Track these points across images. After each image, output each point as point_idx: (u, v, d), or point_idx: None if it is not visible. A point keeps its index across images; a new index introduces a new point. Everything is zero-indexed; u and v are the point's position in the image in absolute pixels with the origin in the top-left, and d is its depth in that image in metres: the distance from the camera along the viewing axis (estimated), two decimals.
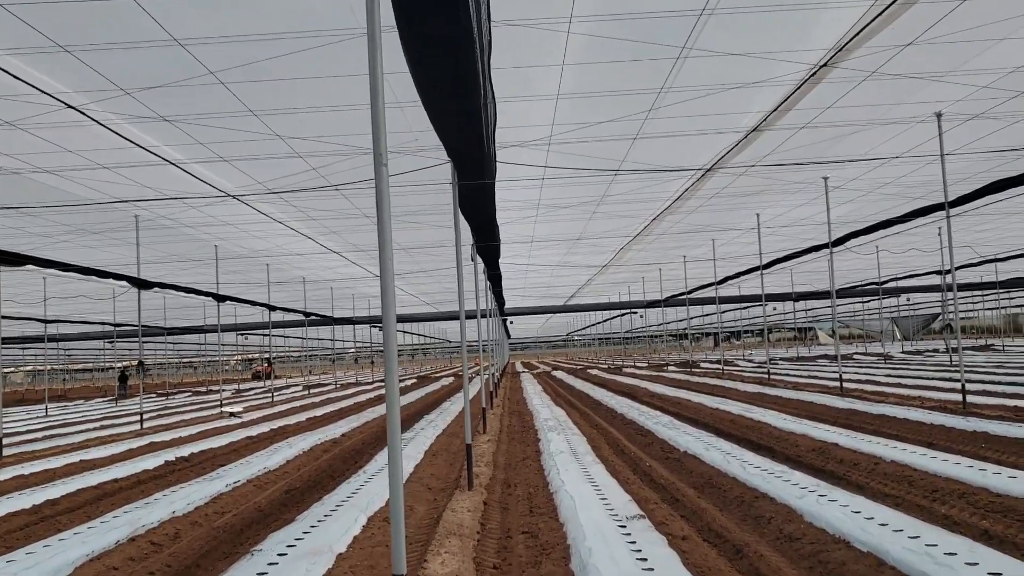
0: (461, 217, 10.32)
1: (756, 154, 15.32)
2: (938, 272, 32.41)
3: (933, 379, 22.39)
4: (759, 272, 25.98)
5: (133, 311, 35.46)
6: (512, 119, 9.80)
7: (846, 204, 21.02)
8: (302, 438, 15.45)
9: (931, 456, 9.21)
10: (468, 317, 14.35)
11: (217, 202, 15.56)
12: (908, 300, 56.10)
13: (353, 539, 6.93)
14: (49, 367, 65.40)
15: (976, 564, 4.78)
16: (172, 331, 40.63)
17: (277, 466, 12.05)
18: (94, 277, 19.48)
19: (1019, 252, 30.43)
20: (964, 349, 46.30)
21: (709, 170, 13.17)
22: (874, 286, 38.53)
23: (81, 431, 20.96)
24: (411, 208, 15.86)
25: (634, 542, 5.85)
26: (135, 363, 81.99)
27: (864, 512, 6.41)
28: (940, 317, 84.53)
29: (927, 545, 5.26)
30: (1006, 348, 45.63)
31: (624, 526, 6.36)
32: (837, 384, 21.73)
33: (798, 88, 12.34)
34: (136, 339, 49.96)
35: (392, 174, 11.77)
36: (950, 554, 5.01)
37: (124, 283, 19.91)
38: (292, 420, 20.69)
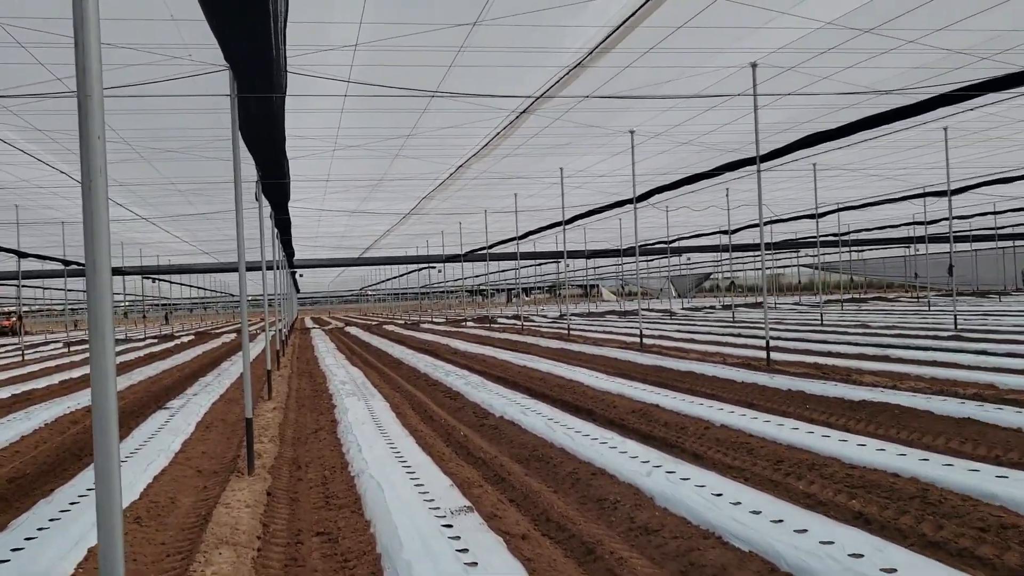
0: (243, 147, 8.46)
1: (569, 101, 14.42)
2: (724, 232, 33.65)
3: (724, 335, 22.93)
4: (562, 228, 25.52)
5: None
6: (308, 16, 8.06)
7: (648, 160, 20.79)
8: (49, 405, 12.92)
9: (760, 419, 8.66)
10: (252, 269, 12.45)
11: None
12: (688, 259, 58.93)
13: (87, 554, 5.16)
14: None
15: (894, 572, 3.90)
16: None
17: (7, 443, 9.72)
18: None
19: (792, 215, 32.14)
20: (737, 306, 49.29)
21: (539, 98, 12.00)
22: (663, 245, 39.74)
23: None
24: (183, 135, 13.44)
25: (465, 550, 4.56)
26: None
27: (727, 495, 5.51)
28: (711, 276, 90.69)
29: (822, 543, 4.37)
30: (777, 305, 48.92)
31: (450, 525, 5.07)
32: (636, 340, 21.74)
33: (616, 30, 11.39)
34: None
35: (142, 82, 9.60)
36: (855, 556, 4.13)
37: None
38: (43, 383, 17.70)
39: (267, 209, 16.68)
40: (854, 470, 6.38)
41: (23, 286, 41.98)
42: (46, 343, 41.47)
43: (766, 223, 36.37)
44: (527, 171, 21.97)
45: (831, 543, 4.35)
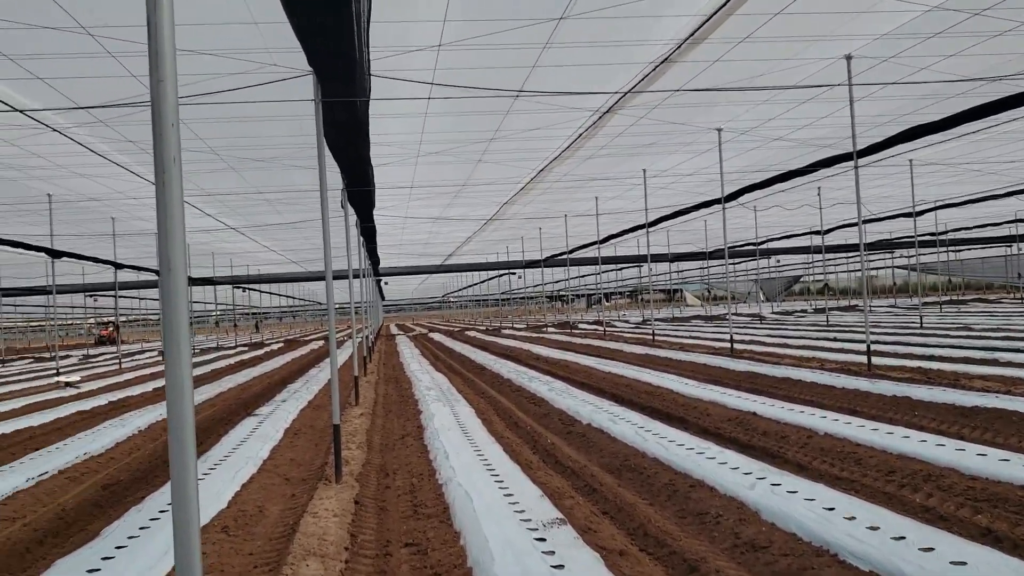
0: (328, 153, 8.43)
1: (654, 98, 14.05)
2: (816, 232, 32.50)
3: (819, 339, 22.06)
4: (645, 230, 25.03)
5: None
6: (390, 16, 7.95)
7: (736, 157, 20.17)
8: (143, 412, 13.24)
9: (867, 427, 8.15)
10: (339, 277, 12.49)
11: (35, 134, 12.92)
12: (778, 261, 57.32)
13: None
14: None
15: None
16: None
17: (103, 450, 9.93)
18: None
19: (888, 214, 30.80)
20: (830, 310, 47.64)
21: (626, 93, 11.67)
22: (751, 247, 38.69)
23: None
24: (269, 143, 13.56)
25: (561, 566, 4.31)
26: None
27: (839, 509, 5.12)
28: (800, 279, 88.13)
29: (953, 564, 3.96)
30: (873, 308, 47.11)
31: (543, 539, 4.82)
32: (725, 345, 21.10)
33: (708, 20, 10.98)
34: None
35: (226, 89, 9.64)
36: None
37: None
38: (137, 390, 18.22)
39: (353, 217, 16.79)
40: (975, 482, 5.88)
41: (120, 296, 43.65)
42: (142, 351, 42.99)
43: (859, 223, 35.08)
44: (609, 173, 21.61)
45: (963, 563, 3.94)
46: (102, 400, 16.02)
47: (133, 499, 7.12)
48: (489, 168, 17.62)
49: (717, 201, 20.72)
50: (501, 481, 6.52)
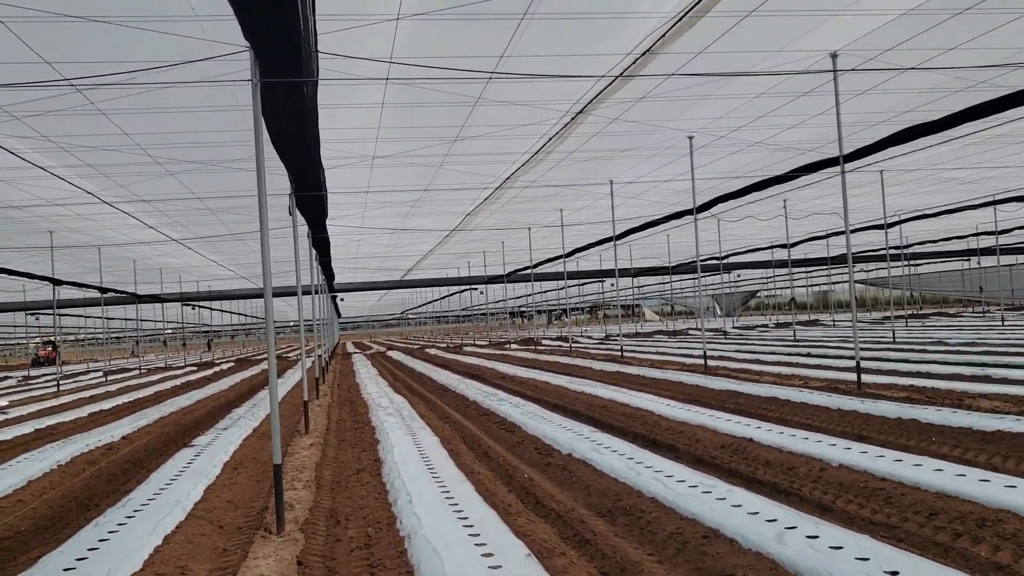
0: (267, 138, 7.28)
1: (627, 96, 13.13)
2: (782, 246, 31.94)
3: (792, 355, 21.26)
4: (613, 243, 24.13)
5: None
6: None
7: (707, 166, 19.38)
8: (67, 443, 11.85)
9: (889, 457, 7.20)
10: (285, 295, 11.30)
11: None
12: (739, 276, 57.02)
13: None
14: None
15: None
16: None
17: (9, 491, 8.59)
18: None
19: (863, 225, 30.30)
20: (787, 324, 47.25)
21: (617, 78, 10.65)
22: (715, 261, 38.08)
23: None
24: (206, 139, 12.21)
25: None
26: None
27: (905, 573, 4.10)
28: (757, 294, 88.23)
29: None
30: (836, 323, 46.83)
31: None
32: (696, 361, 20.25)
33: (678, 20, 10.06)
34: None
35: (149, 67, 8.40)
36: None
37: None
38: (71, 416, 16.72)
39: (304, 228, 15.57)
40: None
41: (62, 314, 41.64)
42: (86, 372, 40.95)
43: (826, 236, 34.64)
44: (574, 185, 20.69)
45: None
46: (28, 428, 14.53)
47: (27, 558, 5.86)
48: (452, 175, 16.53)
49: (688, 212, 19.92)
50: (476, 534, 5.41)
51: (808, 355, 20.88)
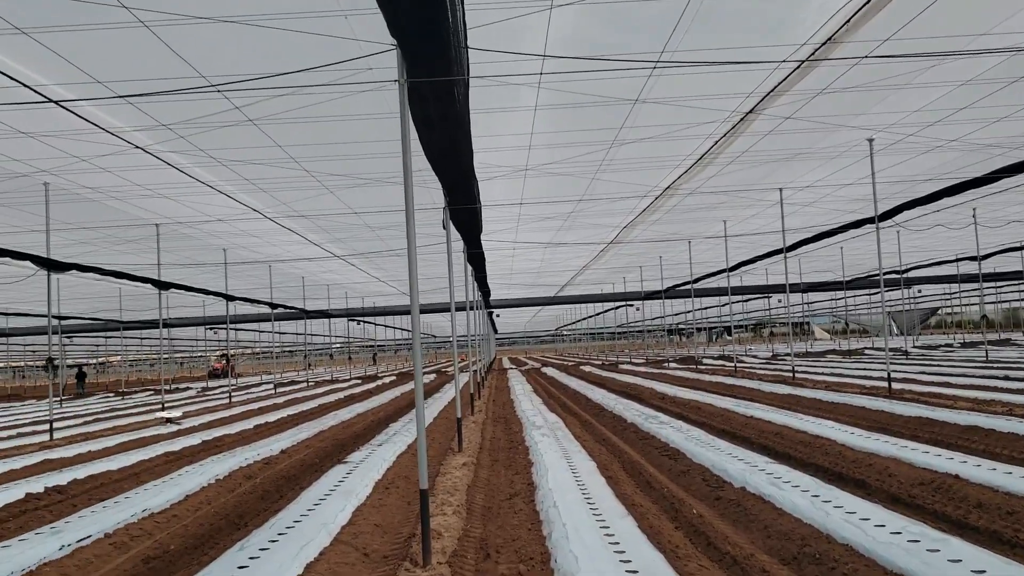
0: (414, 139, 6.89)
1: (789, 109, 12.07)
2: (971, 258, 29.14)
3: (987, 378, 19.11)
4: (783, 256, 22.65)
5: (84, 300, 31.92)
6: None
7: (890, 169, 17.76)
8: (228, 456, 12.06)
9: None
10: (437, 311, 10.99)
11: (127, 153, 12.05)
12: (919, 291, 52.88)
13: None
14: None
15: None
16: (108, 324, 36.87)
17: (167, 505, 8.63)
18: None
19: None
20: (976, 344, 43.23)
21: (804, 62, 9.69)
22: (895, 275, 35.35)
23: None
24: (361, 151, 12.11)
25: None
26: (97, 361, 78.15)
27: None
28: (938, 311, 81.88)
29: None
30: None
31: None
32: (878, 384, 18.52)
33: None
34: (91, 334, 46.41)
35: (295, 69, 8.25)
36: None
37: (29, 263, 16.32)
38: (237, 428, 17.28)
39: (458, 243, 15.35)
40: None
41: (237, 328, 43.96)
42: (258, 384, 43.06)
43: (1021, 247, 31.33)
44: (741, 189, 19.52)
45: None
46: (196, 439, 15.05)
47: None
48: (607, 184, 15.82)
49: (868, 220, 18.32)
50: None
51: (1007, 378, 18.70)
